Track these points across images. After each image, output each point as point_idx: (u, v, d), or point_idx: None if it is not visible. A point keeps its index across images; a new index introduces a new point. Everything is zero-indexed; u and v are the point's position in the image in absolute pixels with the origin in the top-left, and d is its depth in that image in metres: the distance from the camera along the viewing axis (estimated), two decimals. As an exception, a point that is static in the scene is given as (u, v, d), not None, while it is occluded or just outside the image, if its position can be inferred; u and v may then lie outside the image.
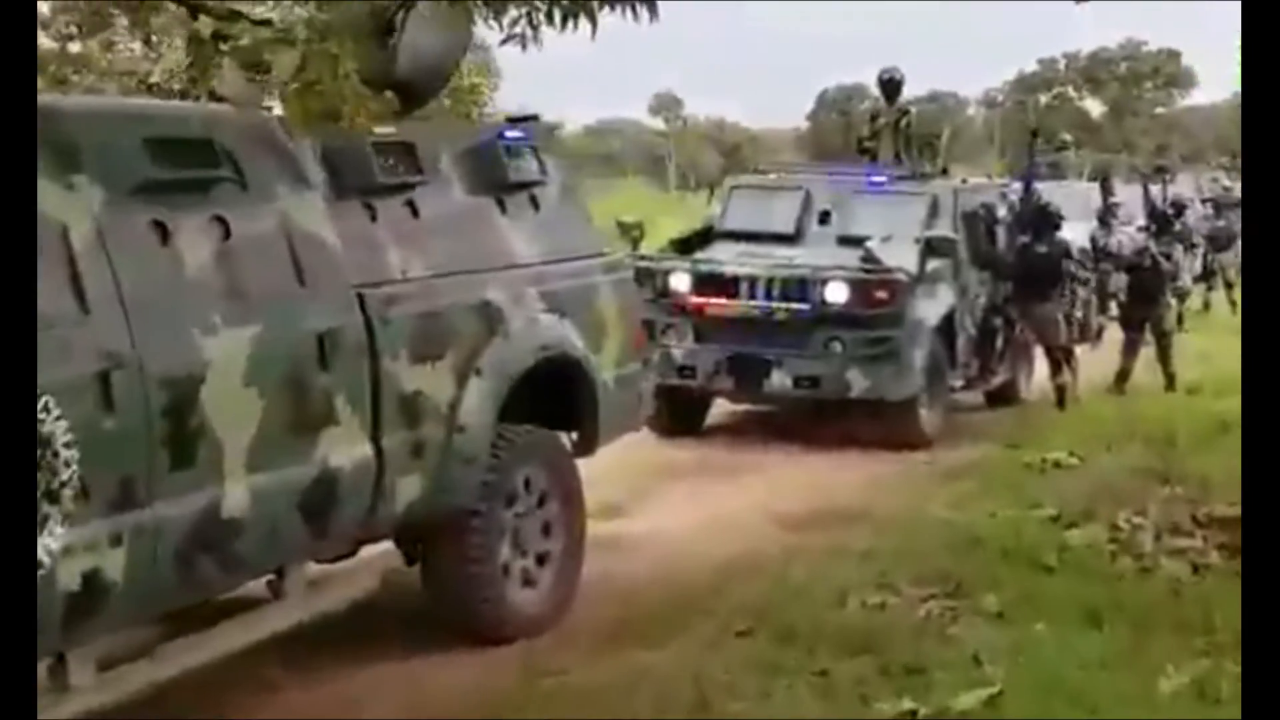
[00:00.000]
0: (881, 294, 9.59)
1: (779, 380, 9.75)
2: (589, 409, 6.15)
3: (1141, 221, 15.74)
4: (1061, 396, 11.29)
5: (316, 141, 4.91)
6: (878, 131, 11.78)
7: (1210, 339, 16.23)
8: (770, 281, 9.76)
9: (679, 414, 10.41)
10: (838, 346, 9.64)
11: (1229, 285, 18.79)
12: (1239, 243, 19.22)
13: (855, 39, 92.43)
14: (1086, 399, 11.99)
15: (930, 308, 10.00)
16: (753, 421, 11.05)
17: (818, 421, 10.51)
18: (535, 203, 6.11)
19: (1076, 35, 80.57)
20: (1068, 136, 20.00)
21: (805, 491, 8.59)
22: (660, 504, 8.42)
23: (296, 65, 4.03)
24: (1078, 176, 20.63)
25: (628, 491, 8.61)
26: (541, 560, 5.86)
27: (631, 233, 10.31)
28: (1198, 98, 75.11)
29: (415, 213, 5.38)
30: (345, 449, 4.68)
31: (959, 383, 10.87)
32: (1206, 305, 18.67)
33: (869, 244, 9.92)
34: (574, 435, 6.30)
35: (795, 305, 9.68)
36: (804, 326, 9.69)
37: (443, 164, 5.64)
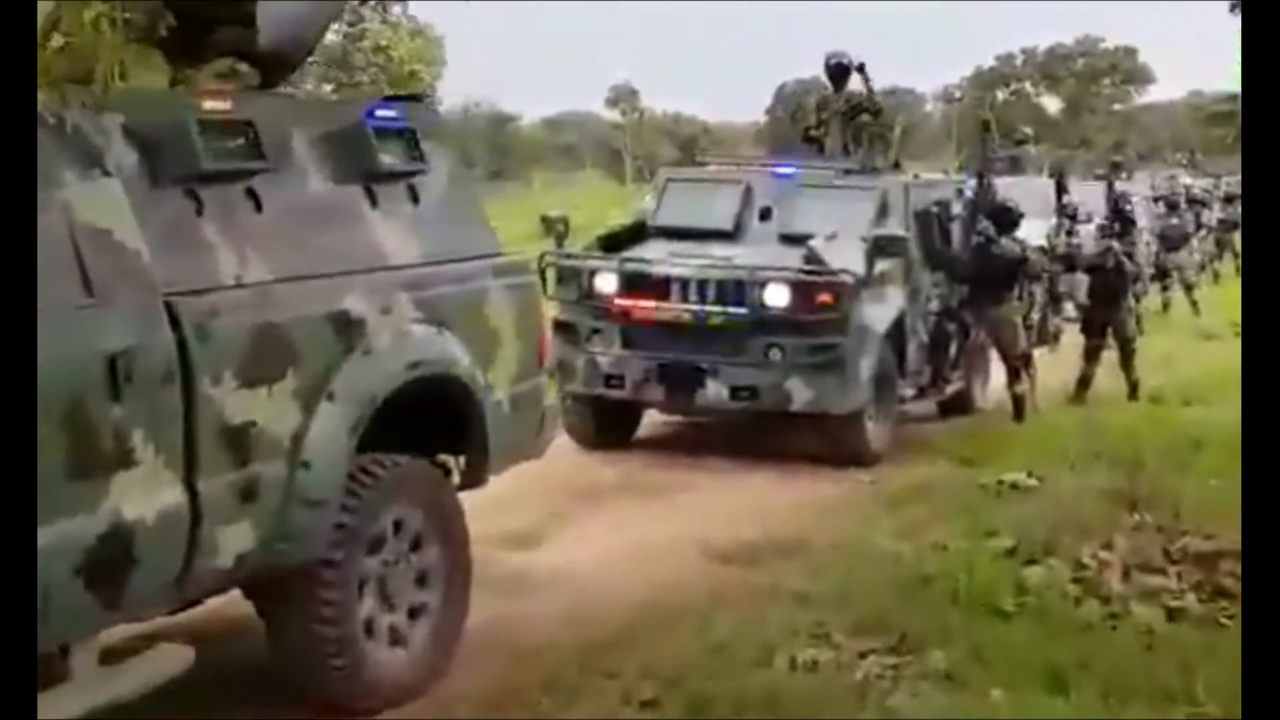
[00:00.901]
0: (825, 297, 8.77)
1: (714, 391, 8.92)
2: (476, 434, 5.29)
3: (1100, 220, 15.08)
4: (1019, 407, 10.53)
5: (121, 117, 4.01)
6: (825, 121, 10.97)
7: (1172, 342, 15.55)
8: (704, 283, 8.92)
9: (607, 426, 9.58)
10: (777, 354, 8.81)
11: (1188, 286, 18.10)
12: (1194, 242, 18.57)
13: (816, 34, 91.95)
14: (1046, 409, 11.24)
15: (878, 312, 9.19)
16: (688, 433, 10.22)
17: (758, 433, 9.71)
18: (414, 195, 5.24)
19: (1035, 32, 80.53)
20: (1027, 130, 19.22)
21: (739, 517, 7.76)
22: (577, 531, 7.57)
23: (53, 17, 3.16)
24: (1037, 172, 19.85)
25: (542, 516, 7.77)
26: (415, 614, 4.99)
27: (556, 228, 9.43)
28: (1154, 95, 75.24)
29: (258, 205, 4.50)
30: (145, 496, 3.79)
31: (910, 392, 10.08)
32: (1166, 306, 17.98)
33: (812, 243, 9.10)
34: (461, 464, 5.45)
35: (731, 309, 8.85)
36: (741, 332, 8.86)
37: (295, 147, 4.75)
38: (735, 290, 8.87)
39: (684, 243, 9.62)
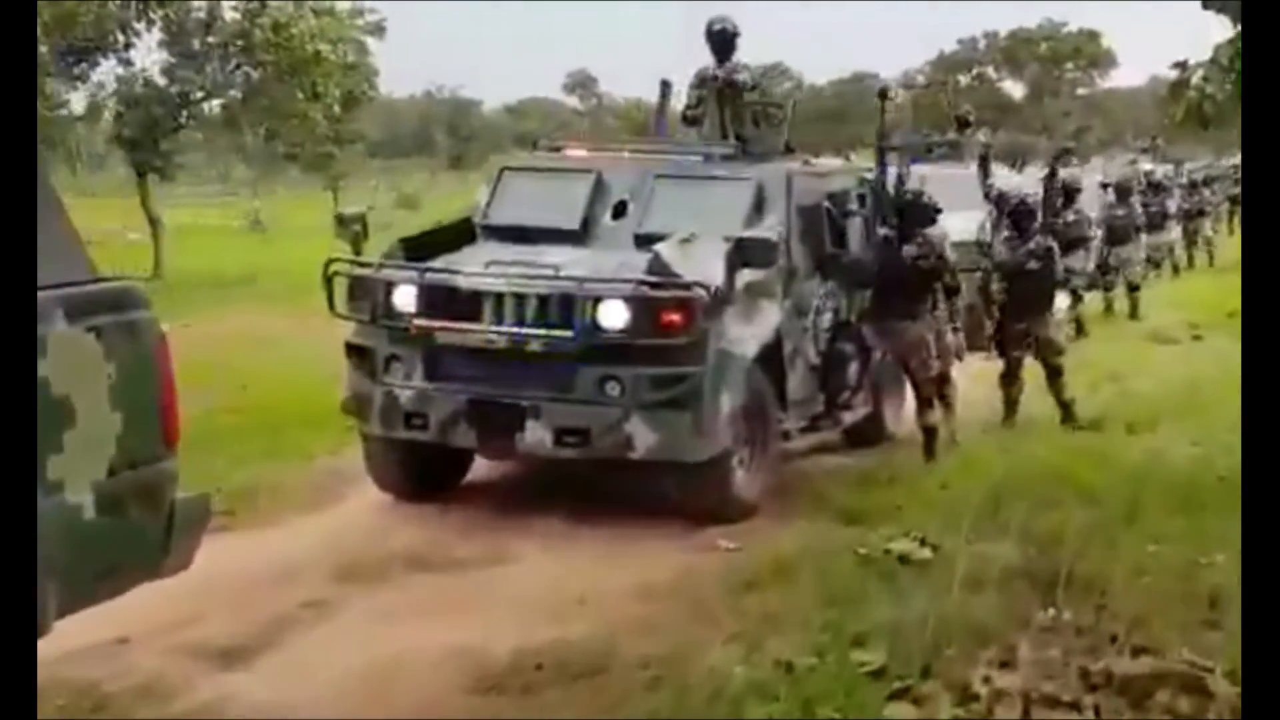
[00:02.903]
0: (673, 316, 6.98)
1: (535, 434, 7.12)
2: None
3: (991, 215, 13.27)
4: (930, 442, 8.78)
5: None
6: (704, 99, 9.17)
7: (1119, 349, 13.84)
8: (521, 299, 7.12)
9: (422, 473, 7.78)
10: (614, 388, 7.03)
11: (1132, 287, 16.35)
12: (1144, 236, 16.83)
13: (778, 21, 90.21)
14: (968, 437, 9.51)
15: (746, 332, 7.41)
16: (536, 476, 8.40)
17: (611, 478, 7.93)
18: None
19: (999, 15, 79.18)
20: (969, 111, 17.37)
21: (542, 610, 5.98)
22: (319, 637, 5.76)
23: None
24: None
25: (283, 610, 5.98)
26: None
27: (351, 228, 7.59)
28: (1118, 80, 73.94)
29: None
30: None
31: (797, 425, 8.33)
32: (1108, 307, 16.22)
33: (659, 247, 7.32)
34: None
35: (555, 332, 7.05)
36: (569, 361, 7.08)
37: None
38: (561, 308, 7.07)
39: (518, 246, 7.84)
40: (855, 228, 8.71)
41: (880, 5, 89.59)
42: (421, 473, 7.76)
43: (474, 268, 7.34)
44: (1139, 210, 17.37)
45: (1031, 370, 10.22)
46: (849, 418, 9.06)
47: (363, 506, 7.86)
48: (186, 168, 44.31)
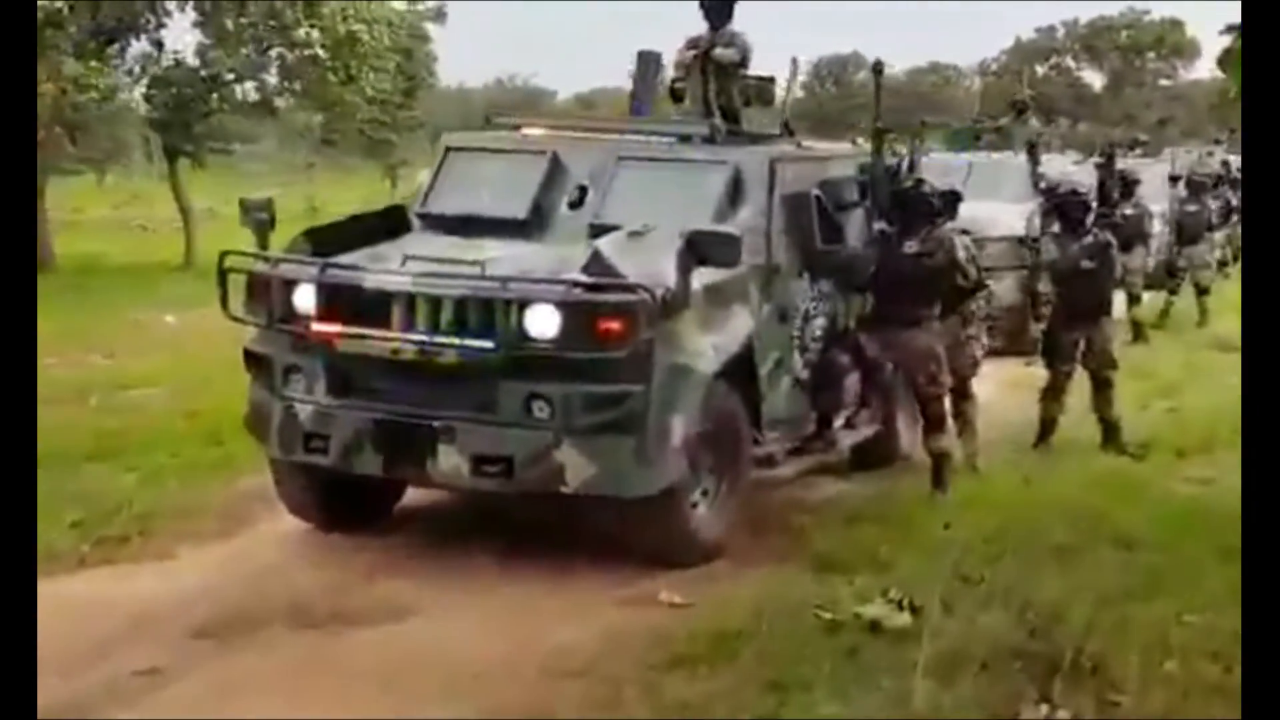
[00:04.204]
0: (612, 324, 5.85)
1: (448, 461, 6.02)
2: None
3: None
4: (940, 470, 7.57)
5: None
6: (690, 70, 8.00)
7: (1176, 360, 12.49)
8: (436, 302, 6.02)
9: (343, 500, 6.73)
10: (543, 409, 5.92)
11: (1202, 290, 14.89)
12: (1215, 235, 15.37)
13: (854, 9, 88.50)
14: (992, 461, 8.31)
15: (705, 343, 6.26)
16: (475, 502, 7.27)
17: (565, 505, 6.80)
18: None
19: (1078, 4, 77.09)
20: (1025, 97, 16.06)
21: (419, 686, 4.91)
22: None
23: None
24: (1046, 149, 16.63)
25: (105, 680, 4.96)
26: None
27: (255, 216, 6.53)
28: (1201, 71, 71.47)
29: None
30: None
31: (785, 447, 7.19)
32: (1166, 311, 14.80)
33: (602, 242, 6.20)
34: None
35: (472, 341, 5.95)
36: (489, 376, 5.97)
37: None
38: (481, 314, 5.97)
39: (457, 239, 6.76)
40: (854, 221, 7.53)
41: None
42: (339, 500, 6.70)
43: (387, 264, 6.26)
44: (1212, 205, 15.91)
45: (1075, 382, 8.99)
46: (849, 439, 7.88)
47: (270, 538, 6.83)
48: (258, 156, 43.88)
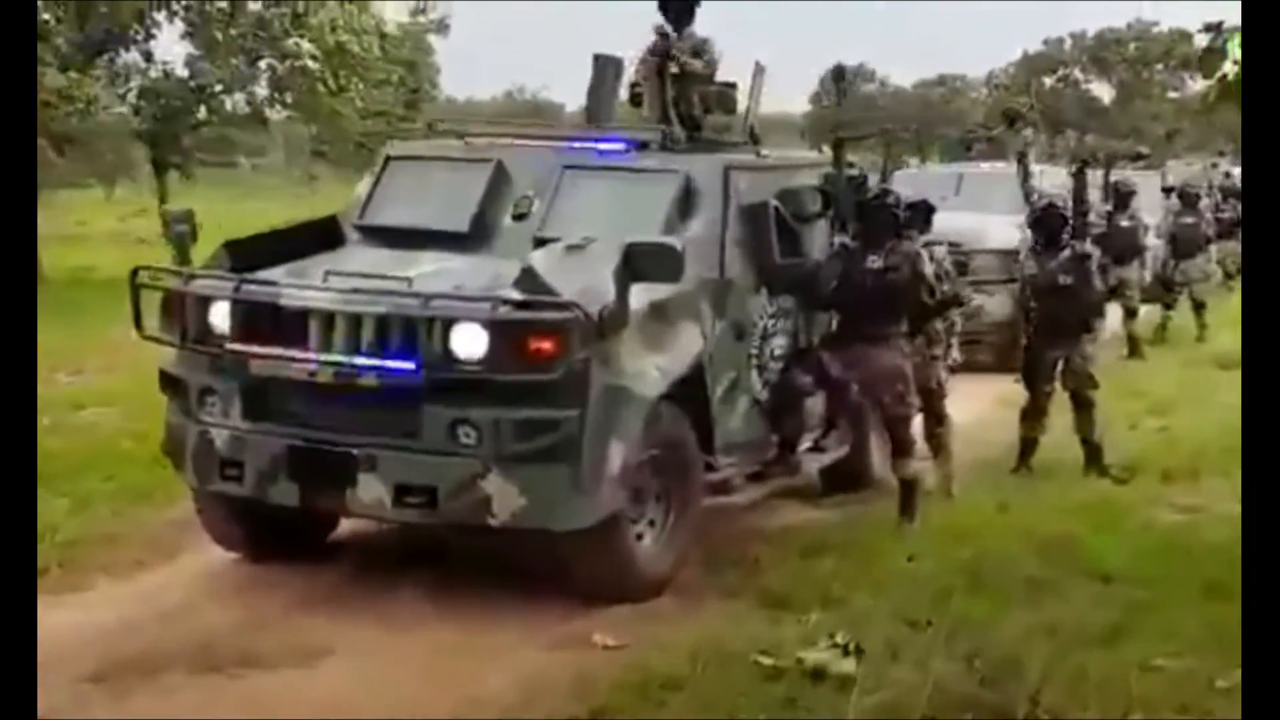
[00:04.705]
0: (543, 344, 5.45)
1: (369, 491, 5.62)
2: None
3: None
4: (908, 497, 7.15)
5: None
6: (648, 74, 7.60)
7: (1170, 376, 12.05)
8: (356, 321, 5.63)
9: (265, 531, 6.33)
10: (469, 435, 5.51)
11: (1198, 304, 14.45)
12: (1211, 249, 14.93)
13: (866, 22, 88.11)
14: (970, 487, 7.91)
15: (648, 363, 5.86)
16: (413, 528, 6.85)
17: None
18: None
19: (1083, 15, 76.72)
20: (1021, 105, 15.65)
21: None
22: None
23: None
24: (1039, 159, 16.27)
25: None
26: None
27: (176, 228, 6.14)
28: (1212, 85, 70.83)
29: None
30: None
31: (744, 472, 6.80)
32: (1163, 326, 14.35)
33: (536, 255, 5.81)
34: None
35: (393, 362, 5.55)
36: (413, 400, 5.57)
37: None
38: (404, 333, 5.58)
39: (394, 252, 6.38)
40: (816, 234, 7.13)
41: (968, 6, 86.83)
42: (265, 529, 6.31)
43: (310, 280, 5.87)
44: (1209, 218, 15.47)
45: (1061, 400, 8.57)
46: (817, 462, 7.48)
47: (192, 571, 6.44)
48: (265, 169, 43.56)
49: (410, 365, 5.48)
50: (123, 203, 42.16)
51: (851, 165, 7.61)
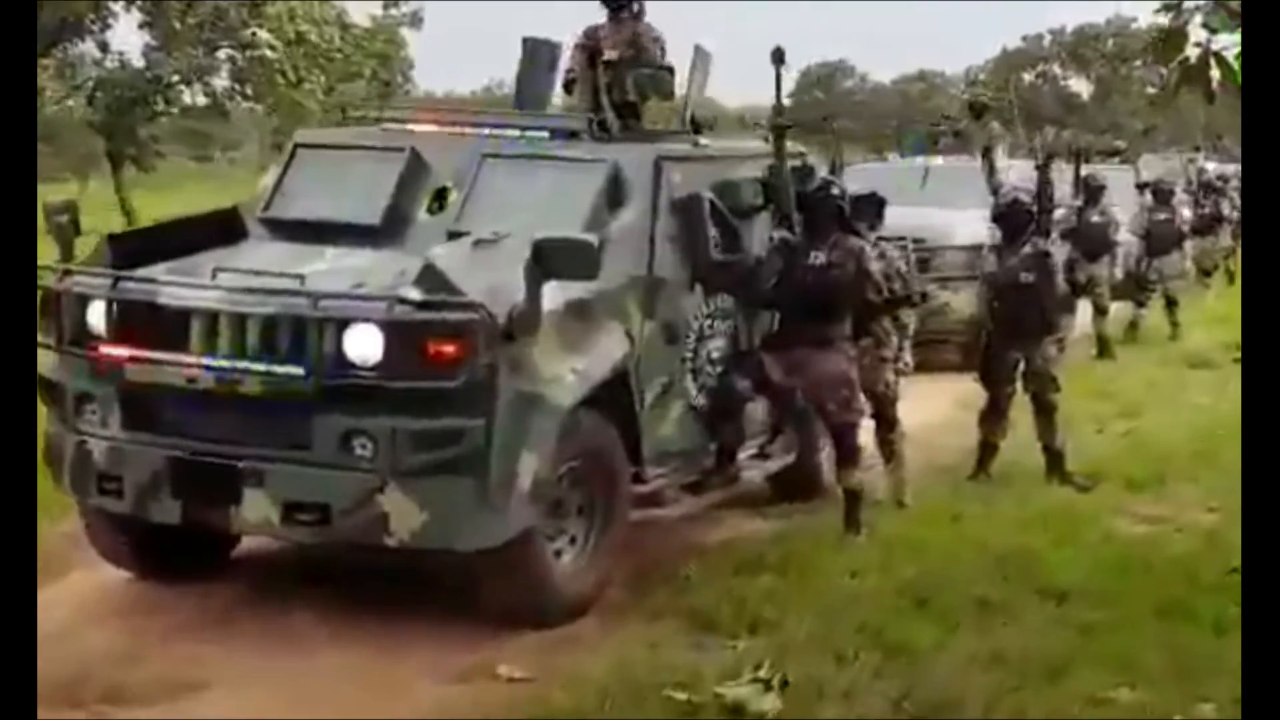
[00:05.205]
0: (444, 348, 4.99)
1: (255, 508, 5.14)
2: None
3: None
4: (853, 509, 6.71)
5: None
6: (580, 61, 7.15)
7: (1141, 376, 11.65)
8: (242, 321, 5.16)
9: (162, 546, 5.84)
10: (365, 447, 5.04)
11: (1171, 303, 14.03)
12: (1188, 245, 14.53)
13: (847, 18, 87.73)
14: (925, 495, 7.47)
15: (564, 368, 5.40)
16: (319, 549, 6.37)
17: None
18: None
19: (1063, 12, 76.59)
20: (984, 97, 15.21)
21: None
22: None
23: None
24: (1008, 153, 15.78)
25: None
26: None
27: (56, 220, 5.64)
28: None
29: None
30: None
31: (679, 482, 6.35)
32: (1134, 325, 13.91)
33: (438, 251, 5.34)
34: None
35: (280, 367, 5.08)
36: (303, 409, 5.10)
37: None
38: (293, 335, 5.11)
39: (299, 248, 5.90)
40: (757, 229, 6.68)
41: (947, 5, 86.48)
42: (155, 546, 5.83)
43: (194, 277, 5.39)
44: (1184, 214, 15.06)
45: (1024, 401, 8.14)
46: (761, 470, 7.04)
47: (81, 589, 5.96)
48: (241, 162, 42.90)
49: (299, 371, 5.01)
50: (96, 195, 41.56)
51: (802, 155, 7.18)
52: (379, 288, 5.26)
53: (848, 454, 6.65)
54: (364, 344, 4.99)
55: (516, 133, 6.36)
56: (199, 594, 5.79)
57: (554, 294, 5.35)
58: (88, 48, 25.08)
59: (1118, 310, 13.48)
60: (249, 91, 24.84)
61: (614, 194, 6.02)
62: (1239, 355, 11.90)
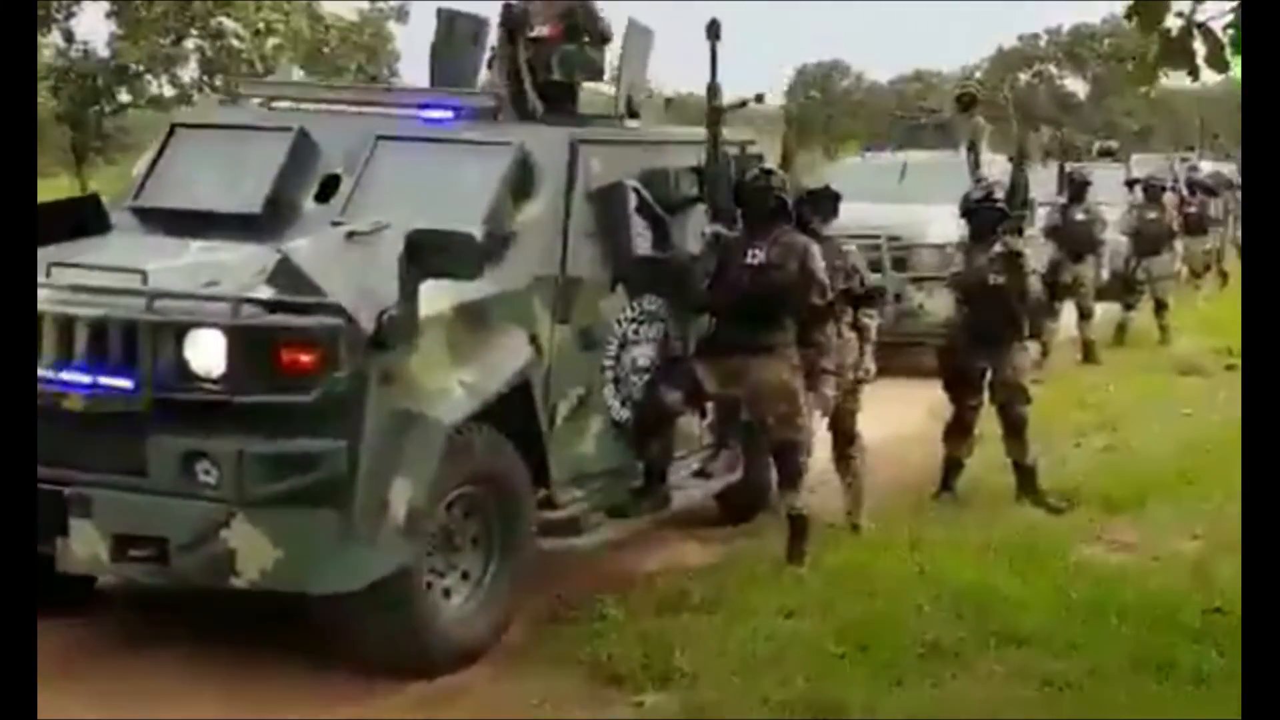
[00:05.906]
0: (299, 356, 4.29)
1: (84, 542, 4.43)
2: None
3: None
4: (797, 535, 6.00)
5: None
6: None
7: (1126, 384, 10.94)
8: (68, 326, 4.45)
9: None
10: (208, 473, 4.33)
11: (1160, 305, 13.31)
12: (1179, 245, 13.83)
13: (843, 16, 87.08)
14: (884, 517, 6.78)
15: (448, 381, 4.68)
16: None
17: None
18: None
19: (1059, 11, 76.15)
20: (972, 87, 14.51)
21: None
22: None
23: None
24: (992, 149, 15.06)
25: None
26: None
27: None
28: (1184, 79, 70.33)
29: None
30: None
31: (596, 508, 5.65)
32: (1122, 328, 13.24)
33: (298, 245, 4.63)
34: None
35: (108, 379, 4.38)
36: (137, 427, 4.40)
37: None
38: (124, 341, 4.40)
39: (166, 238, 5.21)
40: (690, 223, 5.98)
41: (944, 5, 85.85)
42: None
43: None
44: (1174, 214, 14.37)
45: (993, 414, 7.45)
46: (698, 491, 6.35)
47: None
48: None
49: (127, 383, 4.30)
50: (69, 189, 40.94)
51: (750, 144, 6.48)
52: (236, 287, 4.56)
53: (790, 475, 5.95)
54: (206, 352, 4.29)
55: (415, 113, 5.66)
56: (62, 631, 5.05)
57: (441, 296, 4.65)
58: (54, 37, 24.33)
59: (1105, 312, 12.81)
60: (217, 83, 24.12)
61: (521, 181, 5.32)
62: (1231, 362, 11.27)
